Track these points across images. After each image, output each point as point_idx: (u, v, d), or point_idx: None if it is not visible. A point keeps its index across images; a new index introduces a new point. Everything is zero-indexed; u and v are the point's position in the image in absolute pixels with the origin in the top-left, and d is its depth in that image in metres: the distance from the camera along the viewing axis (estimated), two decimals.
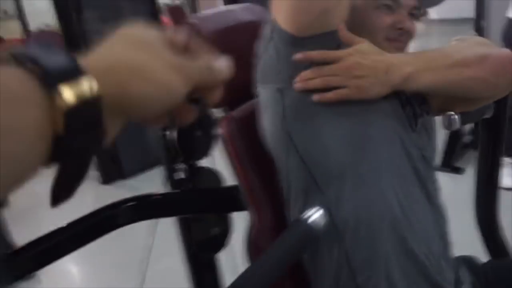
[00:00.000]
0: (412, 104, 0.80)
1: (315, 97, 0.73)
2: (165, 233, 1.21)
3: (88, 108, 0.29)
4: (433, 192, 0.81)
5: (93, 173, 3.48)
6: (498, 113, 1.05)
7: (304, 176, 0.79)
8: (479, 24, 2.60)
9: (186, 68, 0.36)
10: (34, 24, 5.17)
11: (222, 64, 0.39)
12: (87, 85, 0.29)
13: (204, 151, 1.14)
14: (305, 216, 0.59)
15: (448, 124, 0.89)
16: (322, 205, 0.77)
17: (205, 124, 0.99)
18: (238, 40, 0.89)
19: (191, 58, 0.37)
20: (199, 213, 1.10)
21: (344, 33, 0.72)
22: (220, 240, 1.17)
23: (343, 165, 0.75)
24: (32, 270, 0.90)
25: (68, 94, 0.28)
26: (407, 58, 0.74)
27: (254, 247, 0.88)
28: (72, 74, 0.29)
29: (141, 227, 1.08)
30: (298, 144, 0.78)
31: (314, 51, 0.71)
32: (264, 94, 0.82)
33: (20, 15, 5.40)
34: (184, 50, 0.38)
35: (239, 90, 0.82)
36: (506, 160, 2.33)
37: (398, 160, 0.76)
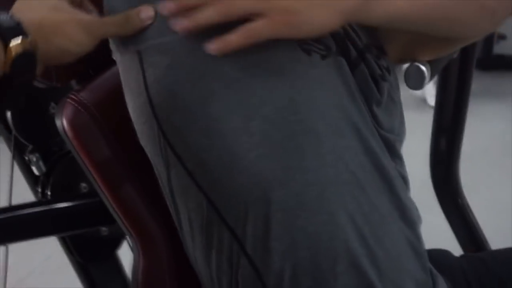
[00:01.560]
0: (366, 54, 0.50)
1: (212, 47, 0.43)
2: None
3: (28, 57, 0.42)
4: (407, 202, 0.54)
5: None
6: (465, 54, 0.79)
7: (199, 203, 0.50)
8: None
9: (93, 24, 0.48)
10: None
11: (143, 13, 0.46)
12: (28, 43, 0.42)
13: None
14: None
15: (415, 80, 0.61)
16: (236, 250, 0.49)
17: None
18: None
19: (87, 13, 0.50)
20: (59, 234, 0.76)
21: None
22: (113, 238, 0.89)
23: (259, 183, 0.47)
24: None
25: (15, 46, 0.41)
26: None
27: None
28: (18, 33, 0.41)
29: None
30: (179, 150, 0.48)
31: None
32: (121, 61, 0.51)
33: None
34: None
35: (98, 51, 0.50)
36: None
37: (352, 162, 0.48)
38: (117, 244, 0.92)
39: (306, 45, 0.47)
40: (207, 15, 0.43)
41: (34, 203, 0.76)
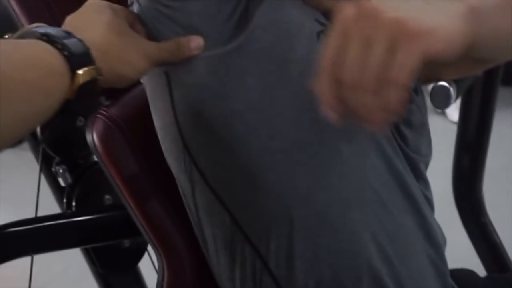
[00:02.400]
0: None
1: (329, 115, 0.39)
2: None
3: (92, 84, 0.41)
4: (432, 222, 0.54)
5: None
6: (489, 69, 0.78)
7: (222, 220, 0.50)
8: None
9: (150, 49, 0.47)
10: None
11: (192, 43, 0.46)
12: (94, 71, 0.41)
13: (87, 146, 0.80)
14: None
15: (441, 99, 0.60)
16: (259, 268, 0.50)
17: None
18: None
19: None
20: (82, 245, 0.77)
21: None
22: (135, 250, 0.89)
23: (282, 202, 0.47)
24: None
25: (83, 74, 0.40)
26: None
27: None
28: (87, 61, 0.40)
29: None
30: (205, 170, 0.49)
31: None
32: (148, 81, 0.52)
33: None
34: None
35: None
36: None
37: (376, 181, 0.49)
38: (139, 256, 0.92)
39: None
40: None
41: (60, 215, 0.77)
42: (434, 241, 0.54)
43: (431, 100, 0.63)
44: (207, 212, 0.52)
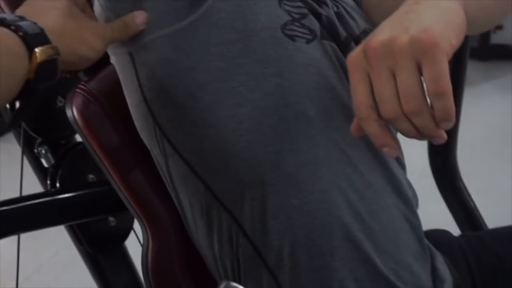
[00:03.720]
0: (362, 39, 0.52)
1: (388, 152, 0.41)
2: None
3: (51, 64, 0.42)
4: (401, 178, 0.56)
5: None
6: None
7: (197, 189, 0.52)
8: None
9: (103, 29, 0.49)
10: None
11: (137, 18, 0.48)
12: (52, 50, 0.42)
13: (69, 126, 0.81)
14: None
15: None
16: (235, 231, 0.52)
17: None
18: None
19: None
20: (68, 222, 0.78)
21: None
22: (121, 228, 0.91)
23: (253, 167, 0.49)
24: None
25: (40, 53, 0.41)
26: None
27: (154, 276, 0.60)
28: (43, 40, 0.41)
29: None
30: (176, 143, 0.51)
31: None
32: (116, 63, 0.54)
33: None
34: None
35: None
36: None
37: (343, 142, 0.51)
38: (124, 235, 0.94)
39: (290, 31, 0.49)
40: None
41: (44, 193, 0.78)
42: (403, 196, 0.56)
43: None
44: (182, 182, 0.54)
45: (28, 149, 0.84)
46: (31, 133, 0.79)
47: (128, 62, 0.51)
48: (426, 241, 0.62)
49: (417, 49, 0.36)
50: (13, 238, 0.84)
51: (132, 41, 0.50)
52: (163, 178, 0.56)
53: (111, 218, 0.92)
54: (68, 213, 0.75)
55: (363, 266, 0.51)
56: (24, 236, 0.79)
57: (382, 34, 0.38)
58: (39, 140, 0.82)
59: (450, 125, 0.38)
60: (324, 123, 0.50)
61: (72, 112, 0.55)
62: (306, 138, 0.49)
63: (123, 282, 0.98)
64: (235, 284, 0.34)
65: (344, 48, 0.52)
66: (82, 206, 0.74)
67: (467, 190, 1.00)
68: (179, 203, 0.56)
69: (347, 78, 0.50)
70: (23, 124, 0.78)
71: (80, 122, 0.55)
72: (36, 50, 0.40)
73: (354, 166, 0.51)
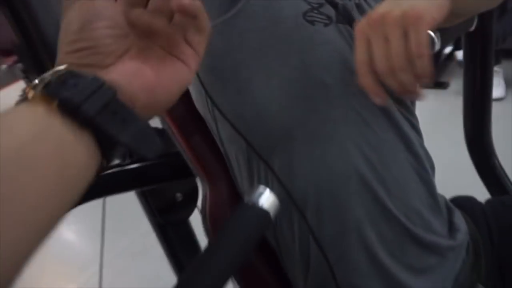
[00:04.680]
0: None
1: (378, 101, 0.54)
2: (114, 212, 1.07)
3: None
4: (412, 136, 0.66)
5: None
6: (483, 25, 0.88)
7: (240, 145, 0.65)
8: None
9: None
10: None
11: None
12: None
13: None
14: (252, 200, 0.44)
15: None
16: (270, 178, 0.63)
17: None
18: None
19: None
20: (144, 187, 0.94)
21: None
22: (187, 204, 1.05)
23: (283, 126, 0.61)
24: None
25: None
26: None
27: (211, 222, 0.74)
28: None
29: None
30: (223, 109, 0.64)
31: None
32: None
33: None
34: None
35: None
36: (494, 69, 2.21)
37: (358, 104, 0.61)
38: (190, 210, 1.09)
39: (310, 17, 0.61)
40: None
41: (118, 164, 0.95)
42: (414, 153, 0.65)
43: None
44: (229, 141, 0.67)
45: None
46: None
47: None
48: (442, 197, 0.70)
49: (406, 20, 0.48)
50: (97, 228, 1.01)
51: None
52: (216, 139, 0.69)
53: (178, 194, 1.07)
54: (141, 180, 0.90)
55: (375, 207, 0.61)
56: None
57: (382, 8, 0.51)
58: None
59: (426, 81, 0.48)
60: (341, 90, 0.60)
61: None
62: (326, 102, 0.60)
63: (187, 252, 1.12)
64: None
65: None
66: (152, 174, 0.90)
67: (502, 168, 1.05)
68: (227, 158, 0.69)
69: None
70: None
71: None
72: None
73: (368, 125, 0.61)
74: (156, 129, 0.78)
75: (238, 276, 0.71)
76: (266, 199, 0.44)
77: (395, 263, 0.62)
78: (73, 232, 2.34)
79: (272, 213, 0.44)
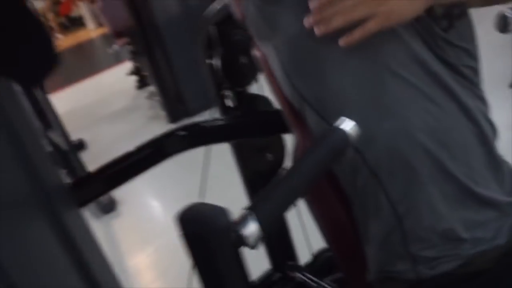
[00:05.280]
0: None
1: (342, 42, 0.66)
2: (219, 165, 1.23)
3: None
4: (470, 104, 0.72)
5: (160, 113, 3.77)
6: None
7: (312, 115, 0.79)
8: None
9: None
10: None
11: None
12: None
13: (250, 78, 1.14)
14: (336, 124, 0.57)
15: (503, 25, 0.81)
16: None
17: (250, 50, 1.01)
18: None
19: None
20: (245, 138, 1.11)
21: None
22: (276, 163, 1.23)
23: (355, 101, 0.72)
24: (102, 192, 0.99)
25: None
26: None
27: None
28: None
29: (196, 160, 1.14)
30: (303, 91, 0.77)
31: None
32: (263, 49, 0.83)
33: None
34: None
35: None
36: None
37: (418, 83, 0.70)
38: (276, 168, 1.25)
39: None
40: (338, 23, 0.64)
41: (228, 117, 1.13)
42: (474, 120, 0.71)
43: (495, 24, 0.83)
44: (306, 110, 0.80)
45: (217, 90, 1.17)
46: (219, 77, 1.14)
47: (271, 50, 0.81)
48: (499, 155, 0.76)
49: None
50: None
51: (274, 35, 0.77)
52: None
53: (269, 154, 1.24)
54: (245, 131, 1.08)
55: (435, 167, 0.70)
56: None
57: None
58: (225, 84, 1.14)
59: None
60: (400, 74, 0.69)
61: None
62: (388, 82, 0.69)
63: None
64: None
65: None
66: (254, 127, 1.07)
67: None
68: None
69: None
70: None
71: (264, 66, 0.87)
72: None
73: (429, 98, 0.70)
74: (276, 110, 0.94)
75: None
76: (347, 124, 0.57)
77: (454, 217, 0.71)
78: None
79: (352, 135, 0.56)
